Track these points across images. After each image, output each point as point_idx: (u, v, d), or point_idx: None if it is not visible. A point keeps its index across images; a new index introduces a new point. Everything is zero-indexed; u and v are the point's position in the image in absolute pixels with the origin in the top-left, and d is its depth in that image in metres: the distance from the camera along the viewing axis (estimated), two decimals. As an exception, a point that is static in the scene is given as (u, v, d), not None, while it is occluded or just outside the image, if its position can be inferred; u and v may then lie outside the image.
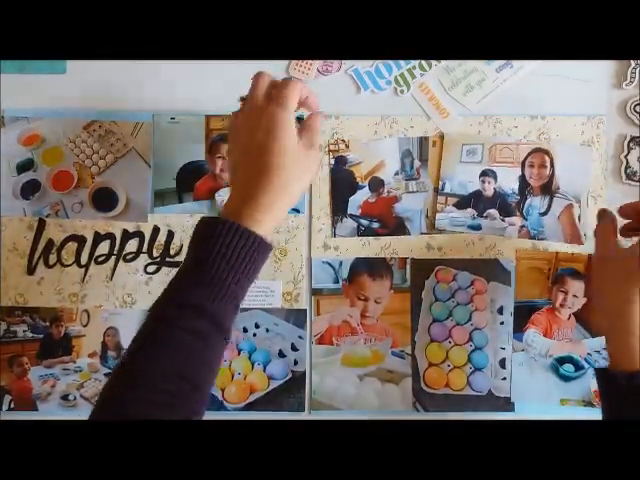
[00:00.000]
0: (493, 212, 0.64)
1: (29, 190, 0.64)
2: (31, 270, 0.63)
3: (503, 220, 0.64)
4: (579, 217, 0.63)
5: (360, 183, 0.64)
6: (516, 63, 0.65)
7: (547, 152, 0.64)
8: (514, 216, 0.64)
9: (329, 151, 0.64)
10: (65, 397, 0.63)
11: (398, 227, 0.64)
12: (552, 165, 0.64)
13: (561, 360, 0.63)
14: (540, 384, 0.62)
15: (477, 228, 0.64)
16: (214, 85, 0.65)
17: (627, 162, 0.65)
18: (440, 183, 0.64)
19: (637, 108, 0.65)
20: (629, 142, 0.65)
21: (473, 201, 0.64)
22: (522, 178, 0.64)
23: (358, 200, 0.64)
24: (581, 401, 0.63)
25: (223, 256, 0.46)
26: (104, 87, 0.65)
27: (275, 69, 0.65)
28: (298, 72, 0.65)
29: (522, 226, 0.64)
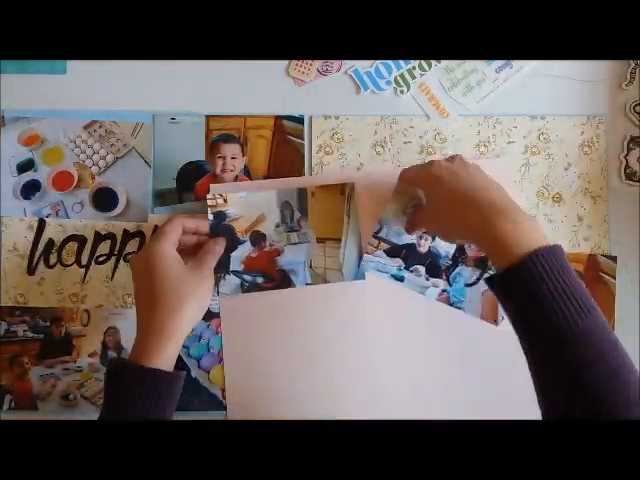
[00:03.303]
0: (420, 268, 0.63)
1: (29, 190, 0.64)
2: (31, 270, 0.64)
3: (427, 279, 0.63)
4: None
5: (241, 238, 0.62)
6: (516, 63, 0.65)
7: None
8: (439, 279, 0.63)
9: (208, 206, 0.62)
10: (65, 397, 0.63)
11: (283, 280, 0.63)
12: None
13: (560, 360, 0.63)
14: (540, 384, 0.62)
15: (400, 279, 0.63)
16: (214, 85, 0.65)
17: (627, 162, 0.65)
18: (377, 226, 0.63)
19: (637, 108, 0.65)
20: (629, 142, 0.65)
21: (405, 252, 0.63)
22: (460, 246, 0.63)
23: (240, 256, 0.62)
24: (581, 401, 0.62)
25: (133, 404, 0.50)
26: (104, 87, 0.65)
27: (275, 69, 0.65)
28: (298, 72, 0.65)
29: (444, 290, 0.63)
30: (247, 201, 0.62)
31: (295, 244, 0.62)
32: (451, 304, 0.63)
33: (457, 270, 0.63)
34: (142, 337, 0.54)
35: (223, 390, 0.62)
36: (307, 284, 0.63)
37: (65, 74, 0.65)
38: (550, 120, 0.65)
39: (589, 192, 0.65)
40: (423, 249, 0.63)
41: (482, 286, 0.62)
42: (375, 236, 0.63)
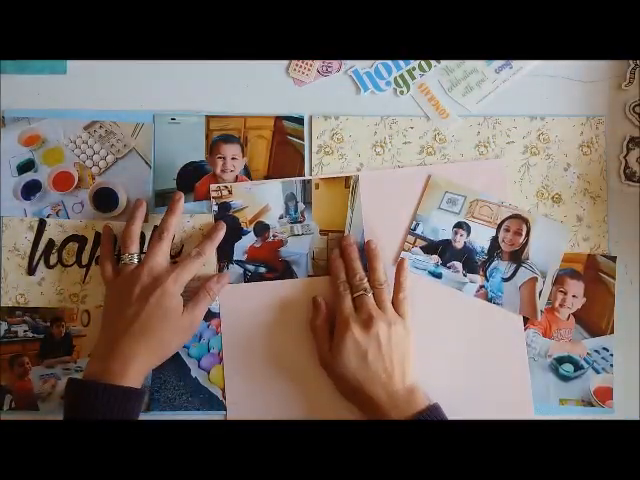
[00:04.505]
0: (457, 265, 0.63)
1: (30, 190, 0.64)
2: (32, 270, 0.64)
3: (465, 275, 0.63)
4: (540, 293, 0.63)
5: (245, 228, 0.63)
6: (516, 63, 0.65)
7: (526, 221, 0.63)
8: (477, 274, 0.63)
9: (212, 197, 0.63)
10: (66, 397, 0.63)
11: (285, 271, 0.63)
12: (527, 234, 0.63)
13: (560, 360, 0.63)
14: (539, 384, 0.63)
15: (437, 276, 0.63)
16: (214, 85, 0.65)
17: (626, 163, 0.65)
18: (413, 223, 0.63)
19: (636, 109, 0.65)
20: (628, 143, 0.65)
21: (441, 249, 0.63)
22: (494, 240, 0.63)
23: (244, 246, 0.63)
24: (580, 401, 0.63)
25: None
26: (104, 87, 0.65)
27: (275, 69, 0.65)
28: (298, 72, 0.65)
29: (482, 286, 0.63)
30: (252, 192, 0.63)
31: (298, 235, 0.63)
32: (489, 300, 0.63)
33: (493, 265, 0.63)
34: (114, 357, 0.54)
35: (223, 390, 0.62)
36: (309, 275, 0.63)
37: (65, 74, 0.65)
38: (550, 120, 0.65)
39: (589, 192, 0.65)
40: (459, 245, 0.63)
41: (519, 280, 0.63)
42: (411, 233, 0.63)
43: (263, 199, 0.63)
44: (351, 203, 0.63)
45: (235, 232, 0.63)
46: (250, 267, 0.63)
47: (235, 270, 0.63)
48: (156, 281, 0.57)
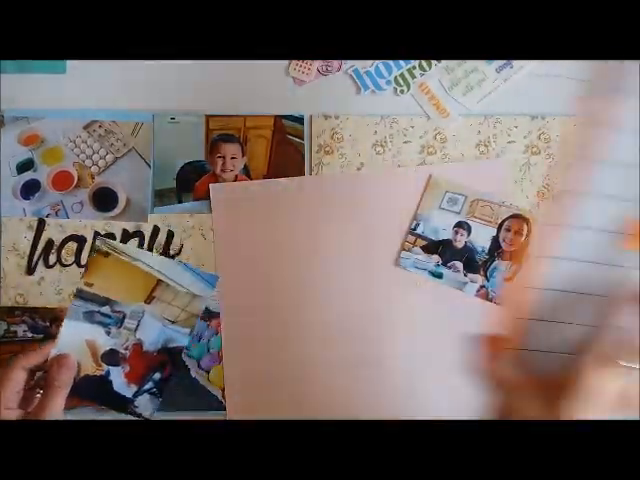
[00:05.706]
0: (458, 264, 0.63)
1: (29, 190, 0.64)
2: (31, 270, 0.63)
3: (465, 275, 0.63)
4: None
5: None
6: (516, 63, 0.65)
7: (527, 220, 0.63)
8: (477, 274, 0.63)
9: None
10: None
11: None
12: (529, 235, 0.63)
13: (562, 360, 0.63)
14: (540, 384, 0.62)
15: (438, 276, 0.63)
16: (214, 85, 0.65)
17: (627, 162, 0.64)
18: (414, 223, 0.63)
19: (637, 108, 0.64)
20: (629, 142, 0.64)
21: (441, 248, 0.63)
22: (495, 239, 0.63)
23: None
24: (581, 401, 0.62)
25: None
26: (104, 87, 0.65)
27: (275, 69, 0.65)
28: (298, 72, 0.65)
29: (482, 286, 0.63)
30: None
31: None
32: (490, 300, 0.63)
33: (494, 264, 0.63)
34: None
35: (223, 390, 0.62)
36: None
37: (65, 74, 0.65)
38: (550, 120, 0.65)
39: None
40: (459, 244, 0.63)
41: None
42: (412, 232, 0.63)
43: None
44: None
45: None
46: None
47: None
48: None
